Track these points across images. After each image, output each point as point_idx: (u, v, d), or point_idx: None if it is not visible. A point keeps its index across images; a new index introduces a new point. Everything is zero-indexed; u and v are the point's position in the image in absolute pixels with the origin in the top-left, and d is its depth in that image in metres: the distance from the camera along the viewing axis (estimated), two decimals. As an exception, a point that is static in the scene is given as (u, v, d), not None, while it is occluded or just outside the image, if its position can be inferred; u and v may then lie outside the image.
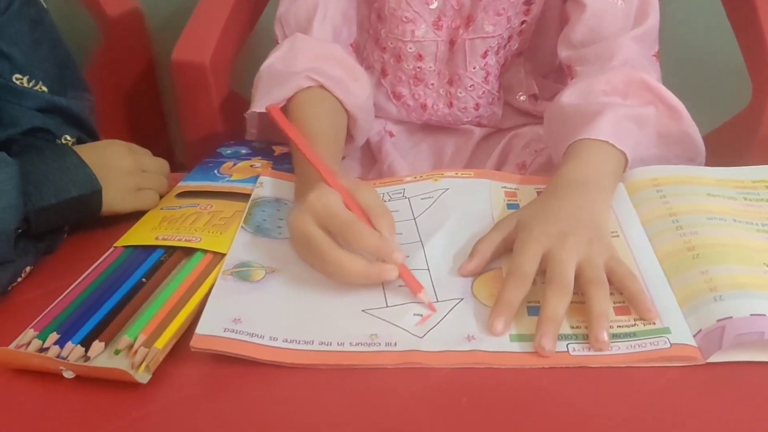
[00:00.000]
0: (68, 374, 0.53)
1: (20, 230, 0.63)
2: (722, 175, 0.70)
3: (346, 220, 0.58)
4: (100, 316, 0.57)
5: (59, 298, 0.60)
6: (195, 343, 0.54)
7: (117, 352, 0.54)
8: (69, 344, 0.54)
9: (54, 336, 0.55)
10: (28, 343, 0.55)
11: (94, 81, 0.83)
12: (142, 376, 0.52)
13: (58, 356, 0.53)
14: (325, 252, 0.58)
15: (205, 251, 0.64)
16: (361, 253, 0.58)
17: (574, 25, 0.80)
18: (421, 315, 0.57)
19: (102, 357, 0.54)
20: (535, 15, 0.87)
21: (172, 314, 0.57)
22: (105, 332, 0.55)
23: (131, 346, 0.54)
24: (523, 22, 0.87)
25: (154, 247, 0.65)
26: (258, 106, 0.79)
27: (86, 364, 0.53)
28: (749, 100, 0.96)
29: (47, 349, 0.54)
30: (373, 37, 0.92)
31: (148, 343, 0.54)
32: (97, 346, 0.54)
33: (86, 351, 0.53)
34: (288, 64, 0.82)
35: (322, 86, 0.79)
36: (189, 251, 0.65)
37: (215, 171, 0.79)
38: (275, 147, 0.85)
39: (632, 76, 0.75)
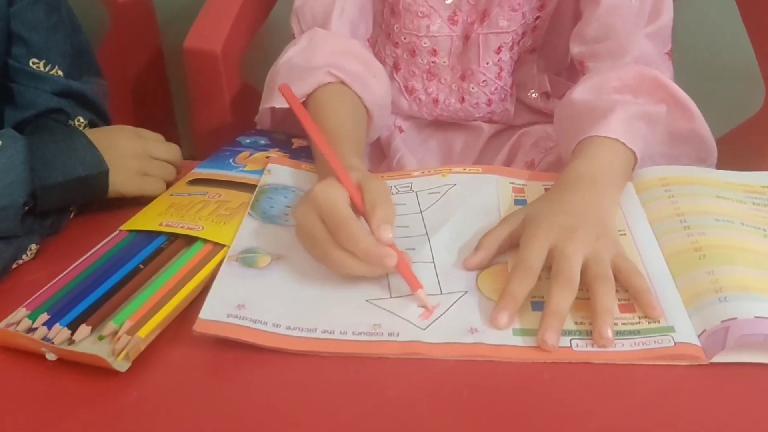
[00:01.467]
0: (50, 356, 0.53)
1: (27, 207, 0.64)
2: (732, 178, 0.70)
3: (342, 219, 0.57)
4: (91, 300, 0.57)
5: (55, 279, 0.60)
6: (198, 327, 0.54)
7: (101, 338, 0.53)
8: (56, 326, 0.54)
9: (44, 317, 0.55)
10: (19, 322, 0.54)
11: (102, 67, 0.83)
12: (121, 364, 0.51)
13: (44, 338, 0.53)
14: (326, 250, 0.57)
15: (205, 241, 0.64)
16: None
17: (587, 20, 0.80)
18: (425, 306, 0.57)
19: (86, 342, 0.53)
20: (549, 10, 0.86)
21: (160, 303, 0.57)
22: (93, 317, 0.55)
23: (116, 333, 0.53)
24: (537, 18, 0.87)
25: (157, 234, 0.65)
26: (276, 101, 0.78)
27: (68, 348, 0.52)
28: (762, 104, 0.95)
29: (36, 329, 0.54)
30: (385, 31, 0.92)
31: (132, 331, 0.53)
32: (83, 330, 0.53)
33: (72, 334, 0.53)
34: (307, 59, 0.81)
35: (342, 82, 0.78)
36: (190, 239, 0.64)
37: (231, 160, 0.78)
38: (294, 139, 0.84)
39: (644, 74, 0.75)
